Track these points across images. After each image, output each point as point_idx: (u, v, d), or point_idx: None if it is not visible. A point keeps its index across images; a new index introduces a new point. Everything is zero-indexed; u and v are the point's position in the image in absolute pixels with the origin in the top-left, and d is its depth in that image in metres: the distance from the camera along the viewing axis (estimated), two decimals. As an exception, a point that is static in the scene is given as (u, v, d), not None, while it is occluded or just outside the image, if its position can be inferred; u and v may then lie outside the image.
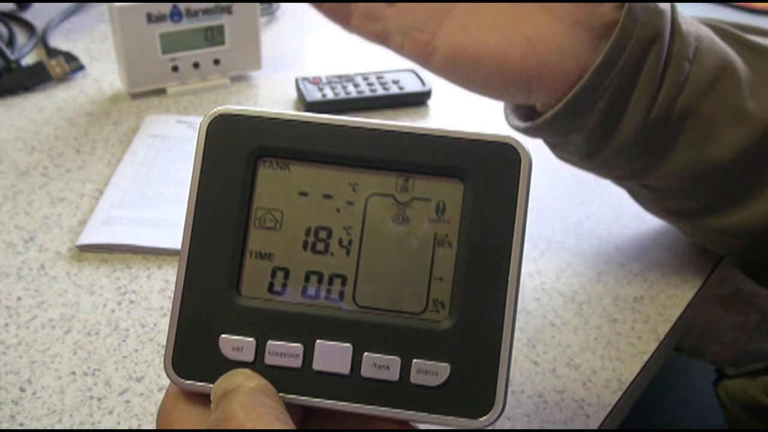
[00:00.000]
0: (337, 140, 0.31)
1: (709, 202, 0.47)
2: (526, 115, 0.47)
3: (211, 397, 0.29)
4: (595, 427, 0.44)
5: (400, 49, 0.47)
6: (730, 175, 0.45)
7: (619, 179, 0.50)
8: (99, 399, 0.44)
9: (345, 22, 0.48)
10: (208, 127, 0.31)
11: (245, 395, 0.28)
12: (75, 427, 0.42)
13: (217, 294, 0.30)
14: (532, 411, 0.44)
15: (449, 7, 0.44)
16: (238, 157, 0.31)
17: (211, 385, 0.29)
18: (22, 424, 0.42)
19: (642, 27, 0.41)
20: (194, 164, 0.31)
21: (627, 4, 0.41)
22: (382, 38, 0.47)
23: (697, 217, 0.49)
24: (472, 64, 0.44)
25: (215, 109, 0.31)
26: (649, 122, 0.43)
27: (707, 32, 0.45)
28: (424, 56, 0.46)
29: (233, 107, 0.31)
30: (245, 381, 0.29)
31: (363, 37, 0.48)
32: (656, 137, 0.44)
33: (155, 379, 0.45)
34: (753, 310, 1.16)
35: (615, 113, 0.43)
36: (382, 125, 0.31)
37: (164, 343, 0.48)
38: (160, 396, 0.44)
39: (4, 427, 0.42)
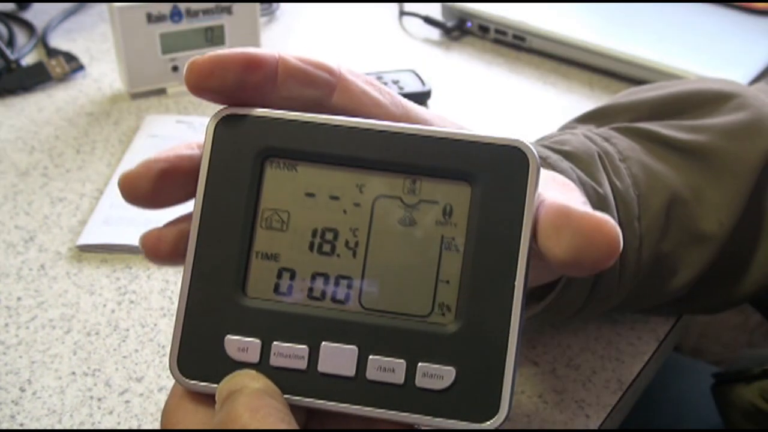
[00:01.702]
0: (344, 141, 0.30)
1: (672, 309, 0.50)
2: None
3: (216, 398, 0.29)
4: (595, 427, 0.44)
5: None
6: (691, 292, 0.46)
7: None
8: (99, 399, 0.44)
9: None
10: (215, 128, 0.31)
11: (250, 396, 0.28)
12: (75, 428, 0.42)
13: (222, 294, 0.30)
14: (532, 411, 0.44)
15: None
16: (245, 157, 0.31)
17: (216, 386, 0.29)
18: (22, 424, 0.42)
19: None
20: (201, 164, 0.31)
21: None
22: None
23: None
24: None
25: (222, 109, 0.31)
26: (620, 290, 0.43)
27: (634, 152, 0.44)
28: None
29: (240, 107, 0.31)
30: (250, 382, 0.29)
31: None
32: (626, 294, 0.44)
33: (155, 380, 0.45)
34: (753, 310, 1.16)
35: (587, 303, 0.43)
36: (390, 127, 0.30)
37: (164, 343, 0.48)
38: (160, 396, 0.44)
39: (4, 427, 0.42)
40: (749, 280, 0.46)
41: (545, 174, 0.34)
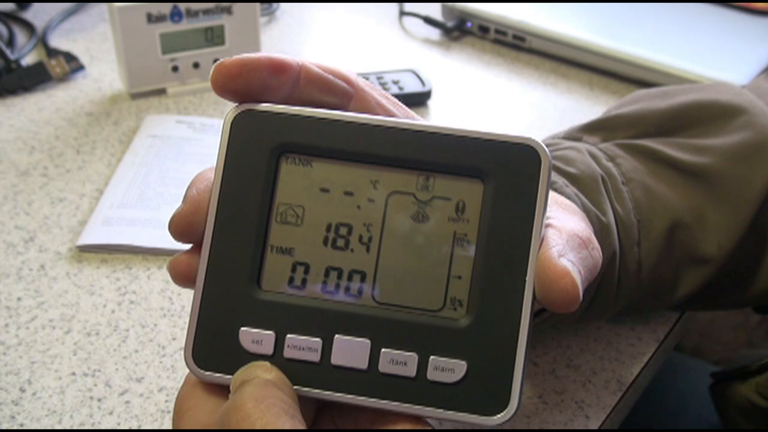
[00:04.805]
0: (359, 138, 0.31)
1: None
2: None
3: (230, 388, 0.30)
4: (594, 427, 0.44)
5: None
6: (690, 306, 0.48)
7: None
8: (99, 399, 0.44)
9: None
10: (232, 123, 0.31)
11: (256, 386, 0.29)
12: (75, 428, 0.42)
13: (238, 287, 0.31)
14: (532, 412, 0.44)
15: None
16: (261, 152, 0.31)
17: (229, 377, 0.30)
18: (22, 425, 0.42)
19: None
20: (218, 159, 0.31)
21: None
22: None
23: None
24: None
25: (239, 105, 0.31)
26: (616, 306, 0.44)
27: (637, 174, 0.44)
28: None
29: (257, 104, 0.31)
30: (262, 373, 0.29)
31: None
32: (626, 306, 0.45)
33: (155, 380, 0.45)
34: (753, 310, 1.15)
35: (584, 315, 0.44)
36: (404, 124, 0.31)
37: (164, 343, 0.48)
38: (160, 396, 0.44)
39: (4, 427, 0.42)
40: (749, 295, 0.46)
41: (551, 196, 0.36)
